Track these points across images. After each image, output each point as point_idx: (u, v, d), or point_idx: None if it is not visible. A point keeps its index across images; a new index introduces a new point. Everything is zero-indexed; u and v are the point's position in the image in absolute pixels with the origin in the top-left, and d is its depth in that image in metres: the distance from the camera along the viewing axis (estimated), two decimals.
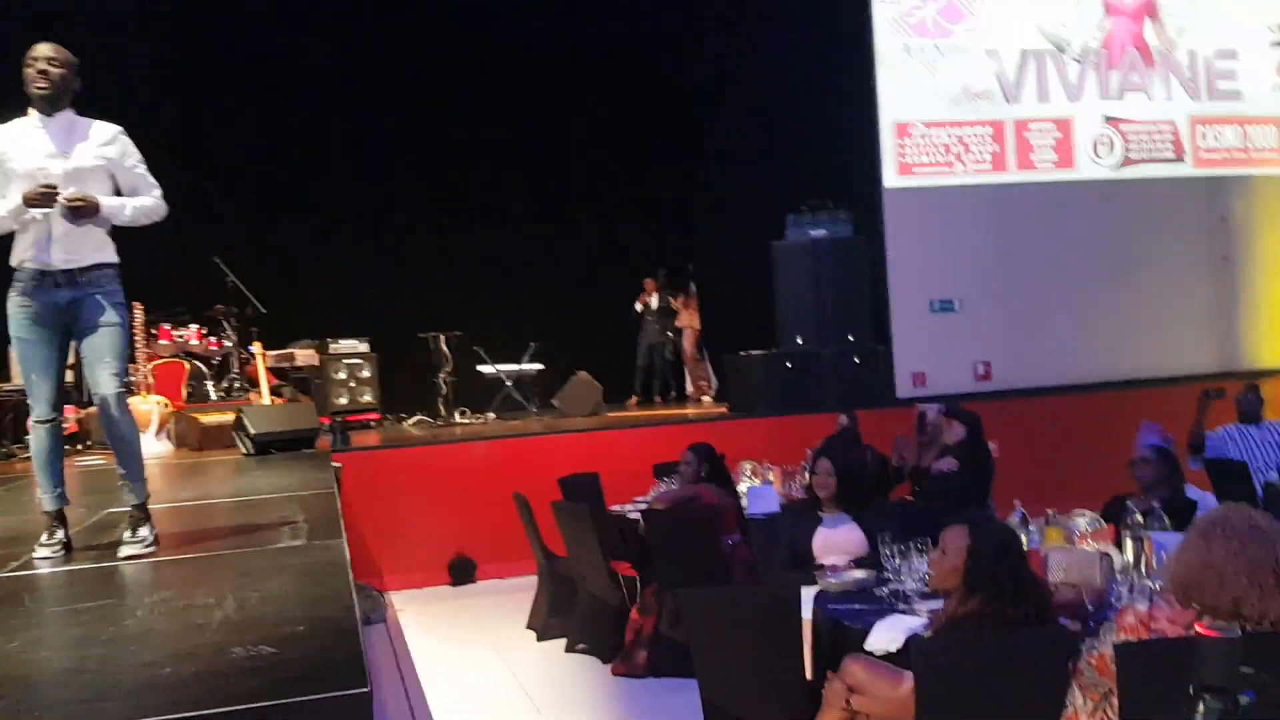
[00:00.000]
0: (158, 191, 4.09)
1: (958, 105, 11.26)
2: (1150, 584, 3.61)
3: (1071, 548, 4.26)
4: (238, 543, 4.26)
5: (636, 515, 6.51)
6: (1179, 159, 11.82)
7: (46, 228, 3.83)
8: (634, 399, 13.19)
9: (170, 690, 2.31)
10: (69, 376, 4.42)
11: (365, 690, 2.15)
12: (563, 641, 6.71)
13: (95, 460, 8.07)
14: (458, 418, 11.41)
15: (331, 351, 11.10)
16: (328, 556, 3.79)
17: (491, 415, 11.59)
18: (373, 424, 11.18)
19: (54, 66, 3.90)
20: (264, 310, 10.80)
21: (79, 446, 8.97)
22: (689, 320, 13.20)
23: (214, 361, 10.77)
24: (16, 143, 3.90)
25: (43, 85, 3.88)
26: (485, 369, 11.93)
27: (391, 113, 12.93)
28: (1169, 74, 11.86)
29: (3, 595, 3.46)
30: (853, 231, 10.70)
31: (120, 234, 4.06)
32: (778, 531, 5.51)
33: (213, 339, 10.75)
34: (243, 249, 11.38)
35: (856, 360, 10.44)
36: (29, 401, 4.02)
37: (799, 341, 10.55)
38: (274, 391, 9.99)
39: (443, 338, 11.56)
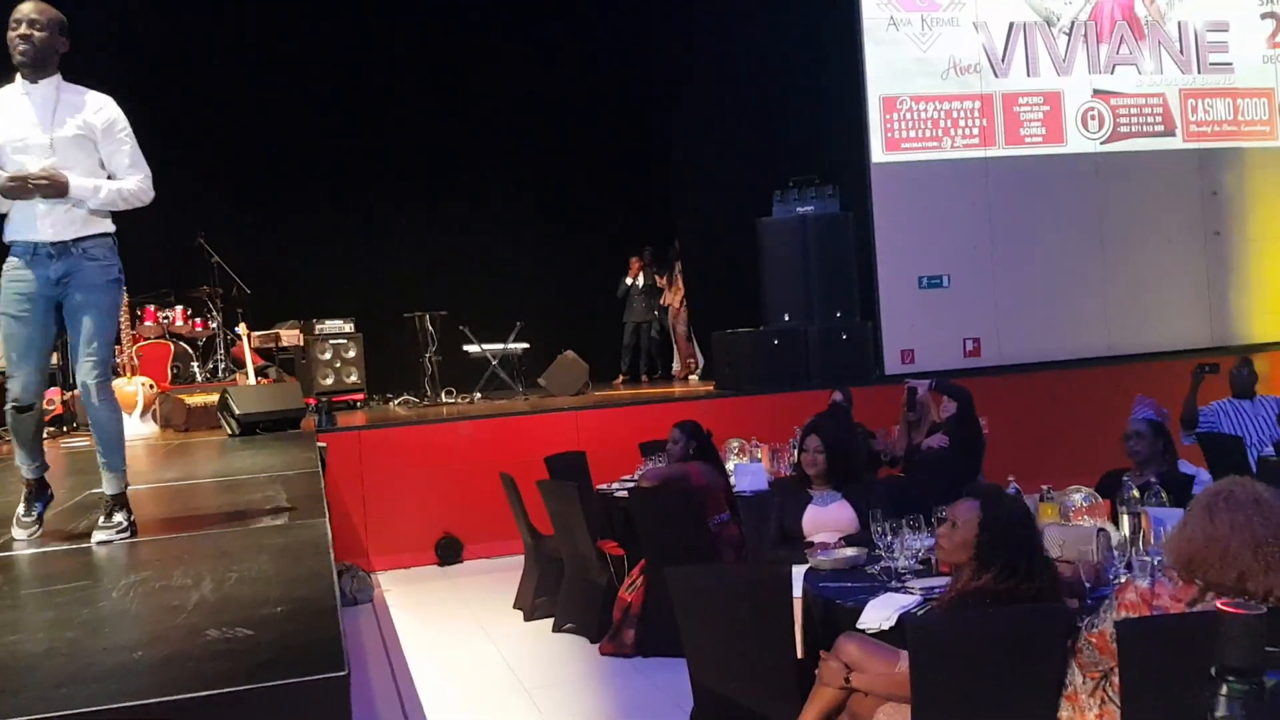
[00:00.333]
0: (142, 175, 3.91)
1: (945, 79, 11.18)
2: (1149, 559, 3.55)
3: (1067, 524, 4.22)
4: (219, 523, 4.19)
5: (624, 493, 6.47)
6: (1169, 132, 11.76)
7: (32, 203, 3.74)
8: (620, 378, 13.16)
9: (142, 674, 2.24)
10: (55, 359, 4.32)
11: (343, 673, 2.07)
12: (550, 621, 6.69)
13: (80, 442, 7.98)
14: (444, 398, 11.34)
15: (317, 332, 11.09)
16: (309, 535, 3.72)
17: (478, 395, 11.52)
18: (358, 404, 11.16)
19: (36, 29, 3.72)
20: (249, 291, 10.86)
21: (64, 429, 8.90)
22: (674, 298, 13.14)
23: (199, 342, 10.83)
24: (1, 111, 3.79)
25: (24, 51, 3.73)
26: (471, 349, 11.86)
27: (376, 94, 12.89)
28: (1159, 46, 11.79)
29: None
30: (840, 207, 10.62)
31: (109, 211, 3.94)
32: (767, 509, 5.46)
33: (198, 320, 10.80)
34: (227, 230, 11.38)
35: (844, 337, 10.39)
36: (6, 384, 3.92)
37: (786, 318, 10.50)
38: (259, 372, 9.97)
39: (428, 317, 11.48)
